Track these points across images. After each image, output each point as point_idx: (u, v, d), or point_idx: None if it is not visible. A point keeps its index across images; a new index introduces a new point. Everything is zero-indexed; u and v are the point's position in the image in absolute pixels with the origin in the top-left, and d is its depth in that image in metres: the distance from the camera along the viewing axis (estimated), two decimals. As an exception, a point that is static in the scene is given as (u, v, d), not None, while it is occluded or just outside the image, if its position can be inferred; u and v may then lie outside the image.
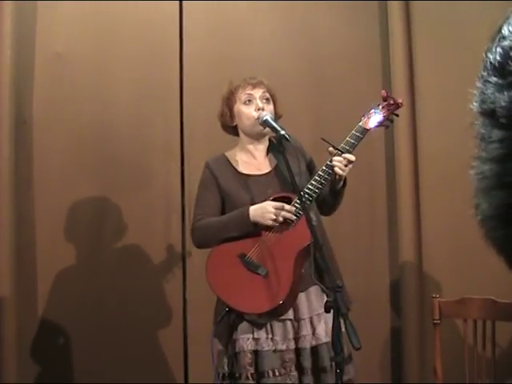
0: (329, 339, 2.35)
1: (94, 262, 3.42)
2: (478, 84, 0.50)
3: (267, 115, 2.46)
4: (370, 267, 3.60)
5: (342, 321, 2.09)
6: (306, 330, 2.40)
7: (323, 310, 2.37)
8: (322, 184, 2.43)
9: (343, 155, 2.41)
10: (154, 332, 3.43)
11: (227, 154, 2.63)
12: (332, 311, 2.10)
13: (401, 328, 3.54)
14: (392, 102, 2.52)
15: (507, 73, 0.47)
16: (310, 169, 2.62)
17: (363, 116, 2.52)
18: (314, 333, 2.41)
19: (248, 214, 2.41)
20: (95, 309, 3.38)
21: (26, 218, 3.35)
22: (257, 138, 2.57)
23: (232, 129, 2.62)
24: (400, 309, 3.55)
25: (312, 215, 2.43)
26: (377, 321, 3.55)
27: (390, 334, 3.62)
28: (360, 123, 2.49)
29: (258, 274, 2.40)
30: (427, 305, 3.09)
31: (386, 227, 3.64)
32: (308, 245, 2.39)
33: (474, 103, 0.50)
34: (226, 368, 2.41)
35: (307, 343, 2.39)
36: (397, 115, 2.60)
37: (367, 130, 2.48)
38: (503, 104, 0.47)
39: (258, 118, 2.46)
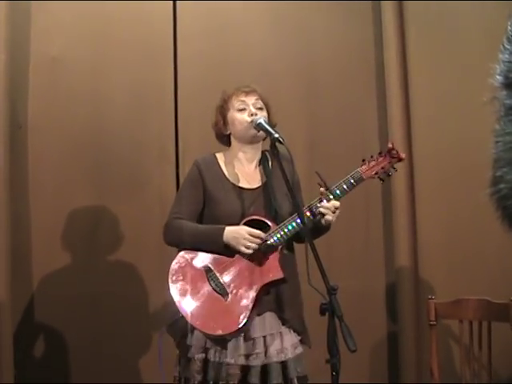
0: (280, 359, 2.37)
1: (90, 265, 3.42)
2: (502, 56, 0.49)
3: (261, 118, 2.43)
4: (366, 269, 3.60)
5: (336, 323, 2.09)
6: (259, 348, 2.37)
7: (278, 330, 2.39)
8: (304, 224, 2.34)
9: (332, 202, 2.39)
10: (150, 335, 3.43)
11: (218, 155, 2.58)
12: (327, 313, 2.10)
13: (397, 329, 3.55)
14: (395, 155, 2.49)
15: None
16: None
17: (363, 161, 2.46)
18: (266, 351, 2.38)
19: (222, 234, 2.36)
20: (91, 311, 3.37)
21: (21, 222, 3.35)
22: (249, 142, 2.52)
23: (226, 138, 2.59)
24: (396, 310, 3.56)
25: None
26: (373, 322, 3.56)
27: (387, 335, 3.63)
28: (358, 169, 2.44)
29: (219, 293, 2.36)
30: (423, 306, 3.10)
31: (381, 230, 3.65)
32: (277, 280, 2.37)
33: (497, 76, 0.49)
34: (179, 372, 2.43)
35: (258, 361, 2.36)
36: (395, 169, 2.54)
37: (363, 179, 2.44)
38: None
39: (252, 122, 2.44)
